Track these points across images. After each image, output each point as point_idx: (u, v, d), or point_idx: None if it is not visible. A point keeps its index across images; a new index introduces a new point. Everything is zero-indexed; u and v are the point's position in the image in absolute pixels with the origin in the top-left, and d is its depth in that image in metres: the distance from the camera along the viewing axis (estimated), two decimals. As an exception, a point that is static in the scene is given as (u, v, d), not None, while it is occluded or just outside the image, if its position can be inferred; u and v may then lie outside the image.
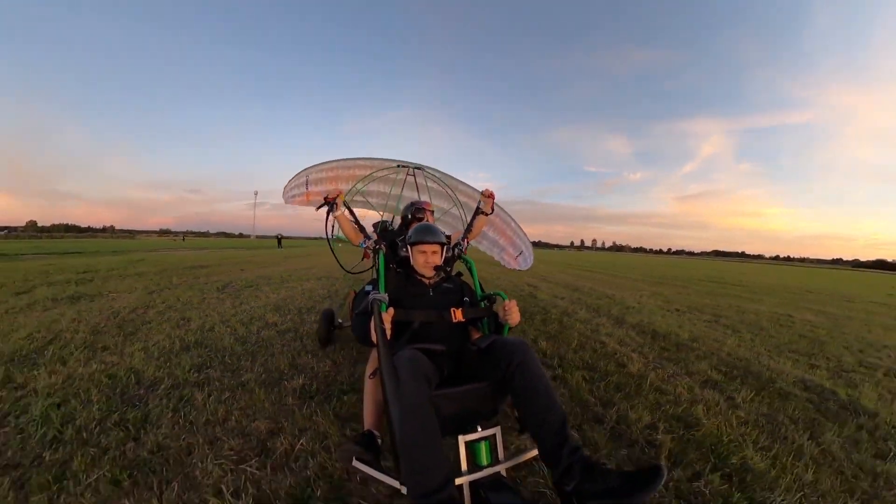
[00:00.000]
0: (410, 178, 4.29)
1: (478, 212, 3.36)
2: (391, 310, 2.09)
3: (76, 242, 42.00)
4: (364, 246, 3.17)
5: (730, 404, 3.45)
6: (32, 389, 2.99)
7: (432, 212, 3.77)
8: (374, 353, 2.18)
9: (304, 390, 3.14)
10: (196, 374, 3.42)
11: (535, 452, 1.83)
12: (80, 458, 2.19)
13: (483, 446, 1.86)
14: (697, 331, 6.76)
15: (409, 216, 3.57)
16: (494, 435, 1.90)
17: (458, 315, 2.31)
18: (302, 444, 2.40)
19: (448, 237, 2.90)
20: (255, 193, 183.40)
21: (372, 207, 4.79)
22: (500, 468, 1.82)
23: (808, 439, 2.87)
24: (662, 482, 1.45)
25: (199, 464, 2.22)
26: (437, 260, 2.54)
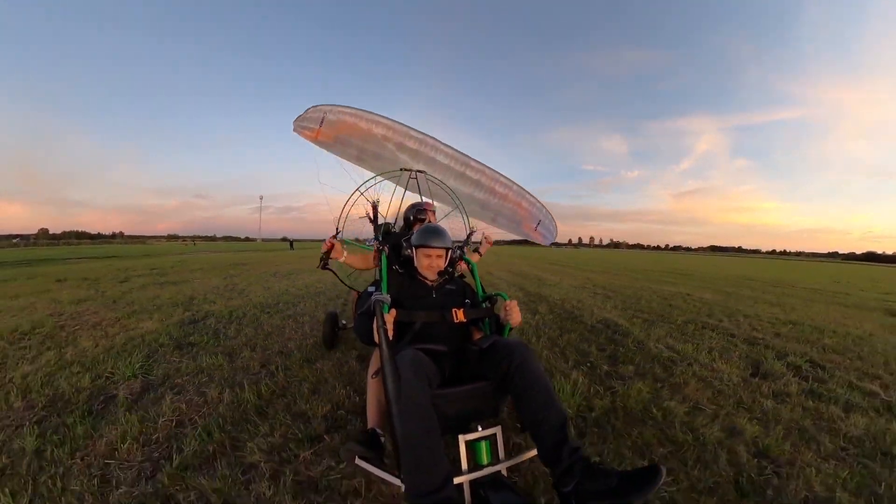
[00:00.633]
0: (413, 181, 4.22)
1: (471, 246, 3.47)
2: (393, 311, 2.10)
3: (104, 248, 46.30)
4: (370, 244, 3.21)
5: (538, 321, 6.14)
6: (217, 310, 6.42)
7: (433, 211, 3.76)
8: (376, 353, 2.17)
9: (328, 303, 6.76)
10: (287, 304, 7.12)
11: (534, 452, 1.83)
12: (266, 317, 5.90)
13: (483, 446, 1.86)
14: (578, 297, 9.09)
15: (412, 217, 3.55)
16: (495, 434, 1.91)
17: (459, 316, 2.32)
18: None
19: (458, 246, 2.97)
20: (261, 198, 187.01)
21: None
22: (501, 467, 1.82)
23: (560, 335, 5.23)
24: (661, 482, 1.43)
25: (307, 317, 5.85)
26: (441, 264, 2.53)
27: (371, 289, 2.76)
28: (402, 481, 1.67)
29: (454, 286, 2.61)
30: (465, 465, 1.80)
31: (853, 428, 2.89)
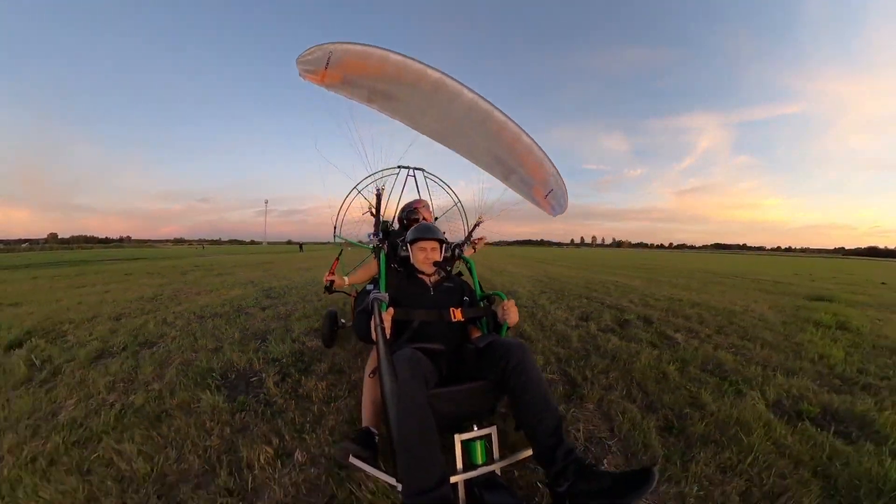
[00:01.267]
0: (411, 180, 4.18)
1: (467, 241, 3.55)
2: (391, 309, 2.12)
3: (119, 251, 50.79)
4: (369, 238, 3.24)
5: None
6: (274, 286, 9.31)
7: (427, 207, 3.79)
8: (374, 352, 2.16)
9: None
10: (317, 284, 9.35)
11: (529, 452, 1.83)
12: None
13: (479, 445, 1.86)
14: (518, 282, 11.03)
15: (405, 220, 3.62)
16: (490, 434, 1.91)
17: (457, 314, 2.33)
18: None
19: (453, 245, 3.09)
20: (266, 202, 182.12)
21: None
22: (495, 467, 1.82)
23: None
24: (654, 485, 1.43)
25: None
26: (437, 256, 2.57)
27: (370, 287, 2.72)
28: (397, 480, 1.66)
29: (452, 284, 2.62)
30: (460, 465, 1.79)
31: (609, 345, 4.35)
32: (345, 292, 3.27)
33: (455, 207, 4.33)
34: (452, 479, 1.68)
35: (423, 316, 2.32)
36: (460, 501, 1.74)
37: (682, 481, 2.02)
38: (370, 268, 3.16)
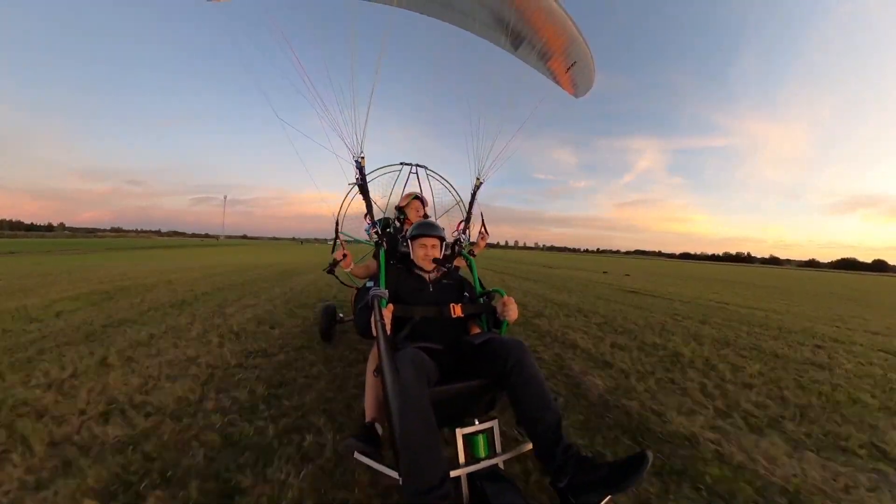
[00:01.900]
0: (413, 177, 4.13)
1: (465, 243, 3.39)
2: (391, 306, 2.14)
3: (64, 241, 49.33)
4: (367, 231, 3.15)
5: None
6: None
7: (420, 199, 3.65)
8: (375, 349, 2.15)
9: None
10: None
11: (530, 446, 1.86)
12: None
13: (481, 439, 1.88)
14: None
15: (400, 219, 3.61)
16: (492, 428, 1.93)
17: (456, 311, 2.35)
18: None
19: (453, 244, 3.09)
20: (225, 197, 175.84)
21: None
22: (497, 460, 1.84)
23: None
24: (648, 467, 1.49)
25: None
26: (437, 253, 2.60)
27: (370, 284, 2.74)
28: (399, 475, 1.66)
29: (451, 280, 2.64)
30: (462, 459, 1.80)
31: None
32: (337, 277, 3.16)
33: (456, 206, 4.22)
34: (455, 473, 1.70)
35: (423, 312, 2.34)
36: (463, 495, 1.75)
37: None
38: (370, 266, 3.15)
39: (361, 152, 2.89)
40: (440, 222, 3.82)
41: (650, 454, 1.52)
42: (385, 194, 4.28)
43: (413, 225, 2.74)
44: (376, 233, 3.04)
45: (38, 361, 3.56)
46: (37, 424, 2.44)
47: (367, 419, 2.21)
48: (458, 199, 4.17)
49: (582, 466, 1.61)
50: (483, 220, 3.51)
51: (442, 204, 4.29)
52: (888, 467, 2.47)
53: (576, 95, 3.54)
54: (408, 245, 2.69)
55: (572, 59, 3.12)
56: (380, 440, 2.10)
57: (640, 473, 1.48)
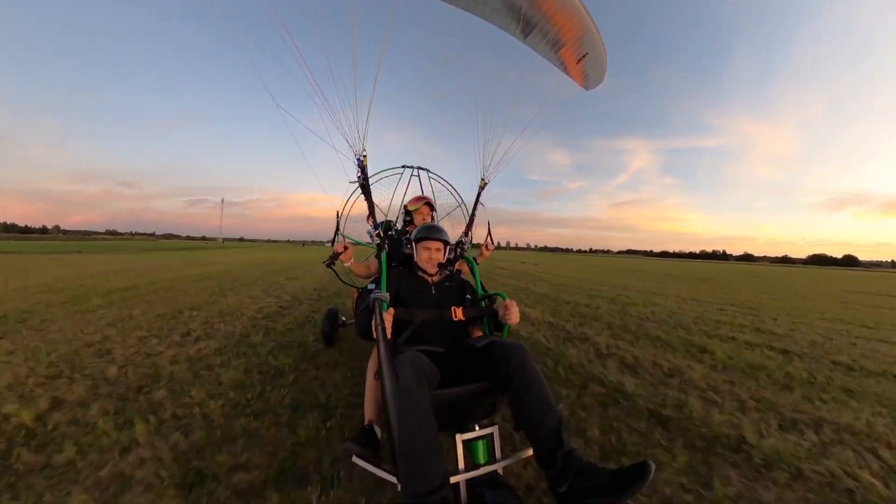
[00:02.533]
0: (415, 180, 4.11)
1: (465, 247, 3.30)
2: (392, 309, 2.12)
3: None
4: (370, 233, 3.08)
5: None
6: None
7: (429, 204, 3.61)
8: (376, 351, 2.11)
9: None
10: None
11: (530, 452, 1.83)
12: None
13: (480, 445, 1.86)
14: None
15: (406, 220, 3.60)
16: (492, 434, 1.91)
17: (458, 314, 2.33)
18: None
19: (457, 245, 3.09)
20: (222, 200, 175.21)
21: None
22: (497, 467, 1.82)
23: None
24: (650, 478, 1.45)
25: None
26: (440, 257, 2.59)
27: (371, 286, 2.69)
28: (398, 480, 1.64)
29: (453, 283, 2.63)
30: (461, 465, 1.78)
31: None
32: (335, 271, 2.97)
33: (458, 209, 4.17)
34: (454, 479, 1.68)
35: (424, 315, 2.32)
36: (462, 501, 1.73)
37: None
38: (370, 266, 3.07)
39: (363, 150, 2.80)
40: (442, 225, 3.73)
41: (653, 465, 1.48)
42: (386, 197, 4.23)
43: (418, 227, 2.70)
44: (378, 235, 2.98)
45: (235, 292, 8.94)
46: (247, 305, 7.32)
47: (366, 421, 2.20)
48: (460, 202, 4.11)
49: (583, 472, 1.58)
50: (490, 229, 3.34)
51: (443, 207, 4.23)
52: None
53: (586, 87, 3.42)
54: (412, 247, 2.67)
55: (584, 49, 2.97)
56: (378, 443, 2.08)
57: (642, 483, 1.44)
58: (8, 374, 3.31)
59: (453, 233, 3.78)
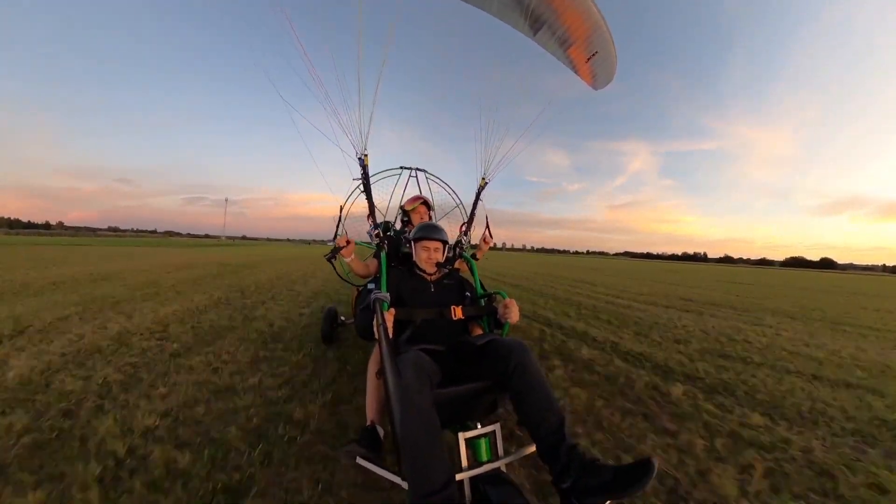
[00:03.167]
0: (413, 181, 4.08)
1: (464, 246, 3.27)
2: (393, 309, 2.10)
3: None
4: (370, 233, 3.02)
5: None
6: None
7: (425, 203, 3.51)
8: (376, 351, 2.16)
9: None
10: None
11: (533, 448, 1.82)
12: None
13: (483, 443, 1.85)
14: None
15: (404, 220, 3.52)
16: (494, 432, 1.90)
17: (457, 312, 2.32)
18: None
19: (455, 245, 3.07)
20: (226, 200, 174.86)
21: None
22: (500, 464, 1.81)
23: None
24: (654, 475, 1.44)
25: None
26: (440, 257, 2.57)
27: (371, 286, 2.69)
28: (402, 479, 1.65)
29: (452, 281, 2.61)
30: (465, 463, 1.78)
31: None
32: (334, 266, 2.89)
33: (456, 209, 4.13)
34: (458, 477, 1.67)
35: (424, 314, 2.31)
36: (466, 498, 1.72)
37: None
38: (370, 265, 3.02)
39: (365, 149, 2.77)
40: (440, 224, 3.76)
41: (656, 461, 1.47)
42: (385, 198, 4.21)
43: (417, 226, 2.67)
44: (377, 235, 2.94)
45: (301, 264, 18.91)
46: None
47: (368, 421, 2.20)
48: (458, 202, 4.09)
49: (586, 468, 1.57)
50: (488, 224, 3.35)
51: (442, 207, 4.20)
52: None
53: (595, 87, 3.31)
54: (410, 246, 2.64)
55: (594, 48, 2.86)
56: (381, 442, 2.09)
57: (645, 480, 1.43)
58: (264, 276, 12.14)
59: (451, 232, 3.72)
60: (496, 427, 1.91)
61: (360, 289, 2.97)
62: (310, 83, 2.54)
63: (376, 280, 2.63)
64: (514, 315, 2.24)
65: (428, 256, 2.54)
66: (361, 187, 2.89)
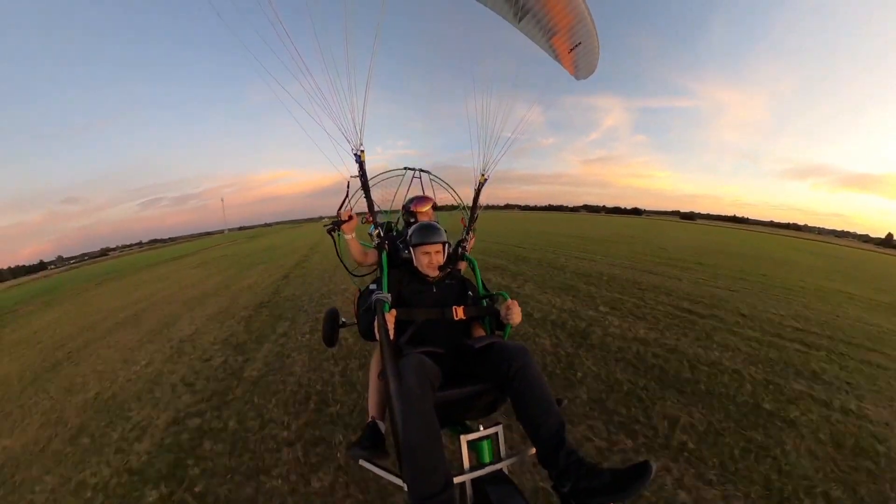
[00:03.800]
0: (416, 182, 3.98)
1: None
2: (394, 311, 2.07)
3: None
4: (371, 233, 2.82)
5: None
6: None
7: (433, 205, 3.43)
8: (377, 351, 2.17)
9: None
10: None
11: (535, 450, 1.81)
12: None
13: (485, 445, 1.85)
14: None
15: (409, 221, 3.37)
16: (497, 433, 1.88)
17: (459, 313, 2.27)
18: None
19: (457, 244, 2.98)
20: (222, 199, 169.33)
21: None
22: (502, 465, 1.80)
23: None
24: (651, 477, 1.45)
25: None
26: (441, 259, 2.50)
27: (373, 286, 2.64)
28: (403, 481, 1.65)
29: (453, 281, 2.55)
30: (467, 464, 1.78)
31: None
32: (334, 241, 2.81)
33: (459, 210, 4.03)
34: (459, 479, 1.68)
35: (425, 315, 2.28)
36: (468, 500, 1.74)
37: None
38: (369, 254, 2.93)
39: (361, 145, 2.55)
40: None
41: (653, 465, 1.48)
42: (388, 199, 4.05)
43: (413, 231, 2.55)
44: (378, 234, 2.75)
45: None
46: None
47: (370, 416, 2.26)
48: (461, 204, 3.97)
49: (585, 472, 1.57)
50: (474, 217, 3.25)
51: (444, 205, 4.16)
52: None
53: (577, 77, 3.25)
54: (409, 251, 2.55)
55: (577, 39, 2.84)
56: (383, 439, 2.13)
57: (643, 482, 1.44)
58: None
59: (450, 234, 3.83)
60: (499, 429, 1.90)
61: (362, 289, 2.83)
62: (297, 72, 2.29)
63: (378, 281, 2.54)
64: (515, 317, 2.21)
65: (429, 261, 2.45)
66: (360, 185, 2.68)
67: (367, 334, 2.22)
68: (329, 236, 2.71)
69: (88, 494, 2.83)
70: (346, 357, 4.73)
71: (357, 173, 2.61)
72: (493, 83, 2.92)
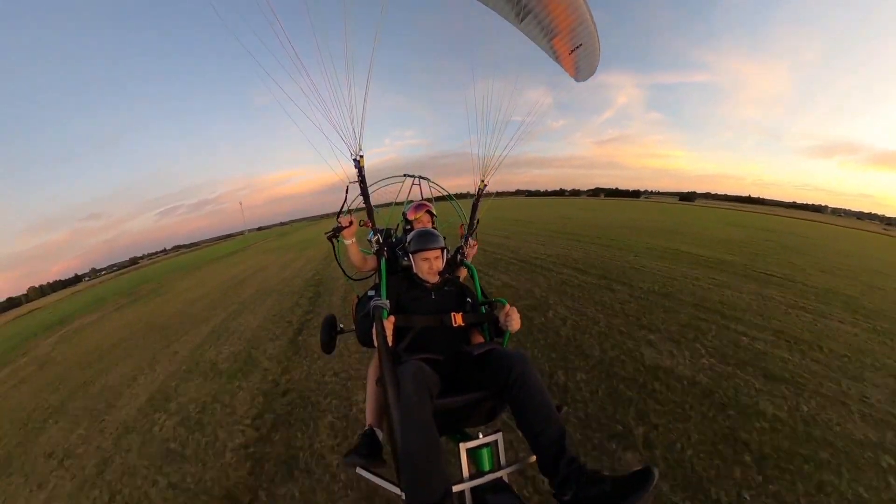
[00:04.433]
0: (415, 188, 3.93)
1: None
2: (392, 317, 2.04)
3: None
4: (370, 239, 2.77)
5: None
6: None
7: (429, 212, 3.34)
8: (376, 358, 2.11)
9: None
10: None
11: (535, 458, 1.76)
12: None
13: (485, 453, 1.80)
14: None
15: (407, 229, 3.34)
16: (496, 441, 1.84)
17: (458, 319, 2.23)
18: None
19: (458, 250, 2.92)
20: (241, 203, 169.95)
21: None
22: (502, 473, 1.76)
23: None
24: (654, 484, 1.39)
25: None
26: (440, 265, 2.45)
27: (371, 293, 2.61)
28: (401, 490, 1.62)
29: (452, 288, 2.51)
30: (466, 472, 1.73)
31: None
32: (334, 246, 2.70)
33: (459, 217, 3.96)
34: (459, 487, 1.64)
35: (424, 321, 2.23)
36: None
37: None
38: (368, 259, 2.82)
39: (360, 150, 2.52)
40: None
41: (656, 471, 1.42)
42: (388, 206, 4.06)
43: (412, 238, 2.52)
44: (377, 241, 2.72)
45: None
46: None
47: (368, 423, 2.22)
48: (460, 212, 3.86)
49: (586, 480, 1.53)
50: (474, 224, 3.16)
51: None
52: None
53: (576, 79, 3.20)
54: (408, 258, 2.52)
55: (578, 41, 2.79)
56: (381, 447, 2.08)
57: (645, 489, 1.39)
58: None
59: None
60: (498, 437, 1.86)
61: (360, 296, 2.79)
62: (297, 76, 2.27)
63: (377, 287, 2.52)
64: (514, 324, 2.15)
65: (429, 267, 2.41)
66: (360, 190, 2.65)
67: (366, 341, 2.21)
68: (330, 242, 2.64)
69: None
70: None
71: (356, 179, 2.58)
72: (498, 66, 2.86)
